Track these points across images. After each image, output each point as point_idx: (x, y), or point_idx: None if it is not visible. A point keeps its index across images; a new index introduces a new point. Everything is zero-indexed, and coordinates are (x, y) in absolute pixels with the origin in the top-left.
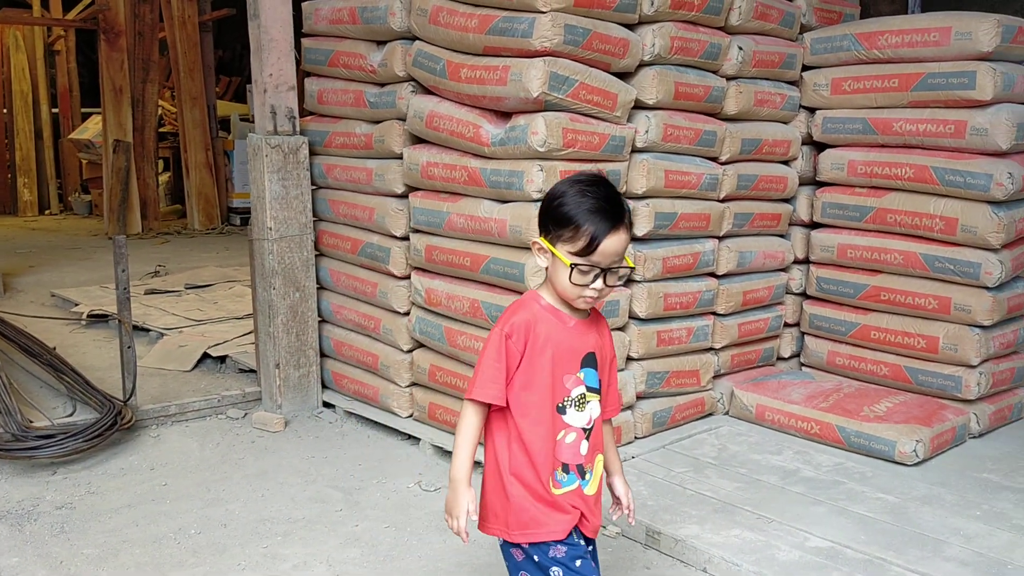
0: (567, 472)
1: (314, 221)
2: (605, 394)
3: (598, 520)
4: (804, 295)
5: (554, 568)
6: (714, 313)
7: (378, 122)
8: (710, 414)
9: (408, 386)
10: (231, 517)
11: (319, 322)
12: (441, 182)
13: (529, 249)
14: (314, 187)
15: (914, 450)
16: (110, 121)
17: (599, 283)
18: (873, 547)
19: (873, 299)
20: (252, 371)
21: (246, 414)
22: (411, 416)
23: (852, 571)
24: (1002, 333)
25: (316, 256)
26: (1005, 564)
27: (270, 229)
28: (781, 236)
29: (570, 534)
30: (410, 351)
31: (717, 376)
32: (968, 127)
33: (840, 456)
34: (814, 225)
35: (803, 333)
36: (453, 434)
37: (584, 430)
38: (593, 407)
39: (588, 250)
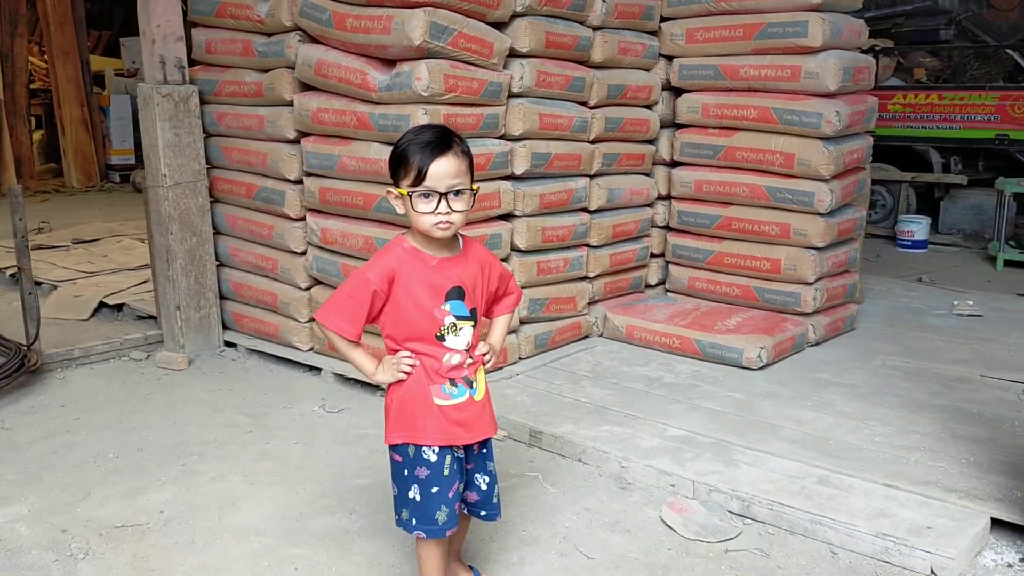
0: (455, 385)
1: (207, 168)
2: (498, 301)
3: (485, 420)
4: (667, 227)
5: (414, 486)
6: (587, 245)
7: (267, 71)
8: (586, 336)
9: (308, 321)
10: (146, 443)
11: (217, 266)
12: (332, 127)
13: None
14: (206, 135)
15: (758, 356)
16: None
17: (444, 206)
18: (720, 433)
19: (726, 228)
20: (151, 317)
21: (149, 356)
22: (312, 349)
23: (702, 452)
24: (835, 254)
25: (211, 202)
26: (828, 440)
27: (164, 176)
28: (646, 174)
29: (443, 459)
30: (308, 288)
31: (592, 302)
32: (802, 71)
33: (697, 365)
34: (674, 164)
35: (667, 262)
36: None
37: (465, 351)
38: (466, 332)
39: (419, 178)
